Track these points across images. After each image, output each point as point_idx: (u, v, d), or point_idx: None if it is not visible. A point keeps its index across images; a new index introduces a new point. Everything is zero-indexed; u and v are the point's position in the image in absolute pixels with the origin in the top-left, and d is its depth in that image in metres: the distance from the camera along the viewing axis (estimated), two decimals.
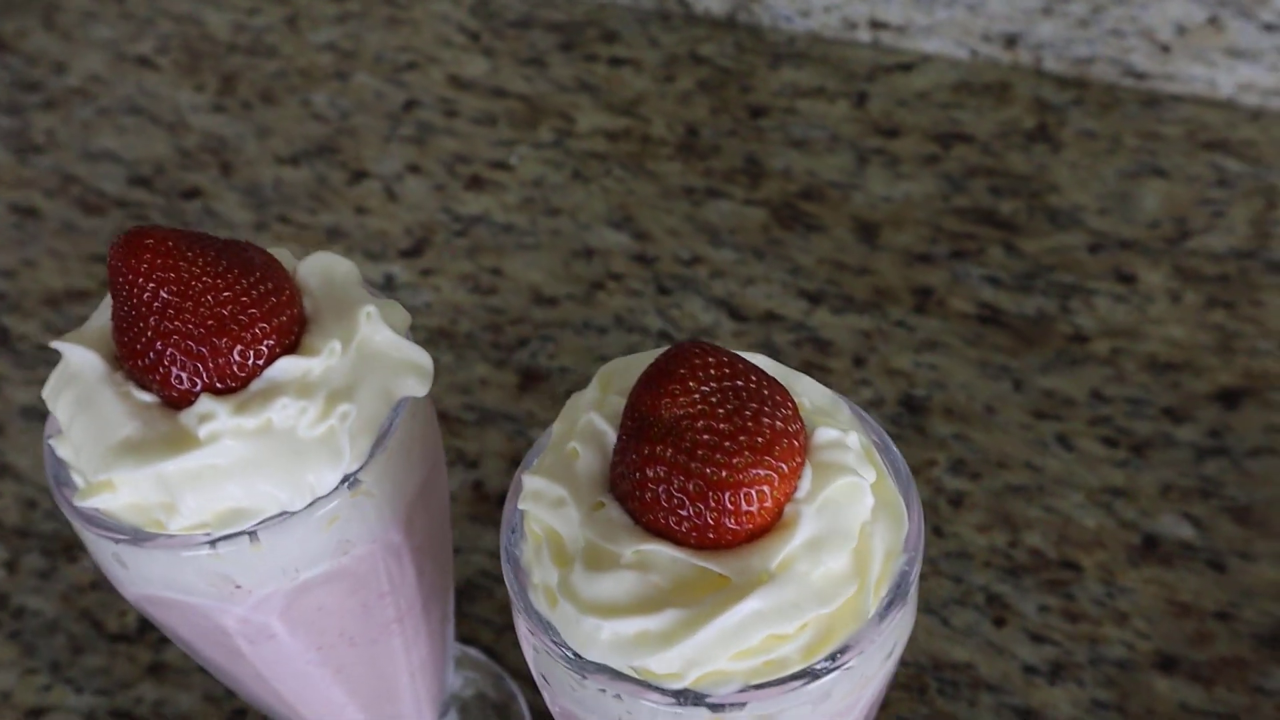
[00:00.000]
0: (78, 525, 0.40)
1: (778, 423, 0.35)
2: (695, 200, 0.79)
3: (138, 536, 0.38)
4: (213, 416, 0.37)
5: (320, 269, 0.41)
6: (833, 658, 0.34)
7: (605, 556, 0.35)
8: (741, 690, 0.34)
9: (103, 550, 0.40)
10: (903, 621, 0.37)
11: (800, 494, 0.35)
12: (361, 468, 0.39)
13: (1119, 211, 0.76)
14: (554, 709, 0.39)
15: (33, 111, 0.92)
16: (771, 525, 0.35)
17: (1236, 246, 0.73)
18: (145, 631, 0.63)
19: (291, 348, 0.39)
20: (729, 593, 0.34)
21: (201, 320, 0.37)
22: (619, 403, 0.38)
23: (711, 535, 0.34)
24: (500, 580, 0.62)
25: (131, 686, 0.61)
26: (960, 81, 0.85)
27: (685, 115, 0.85)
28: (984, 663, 0.59)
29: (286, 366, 0.38)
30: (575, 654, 0.35)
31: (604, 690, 0.35)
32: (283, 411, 0.38)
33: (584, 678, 0.35)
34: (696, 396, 0.34)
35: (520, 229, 0.79)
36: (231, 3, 0.97)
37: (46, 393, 0.41)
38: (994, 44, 0.84)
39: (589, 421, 0.37)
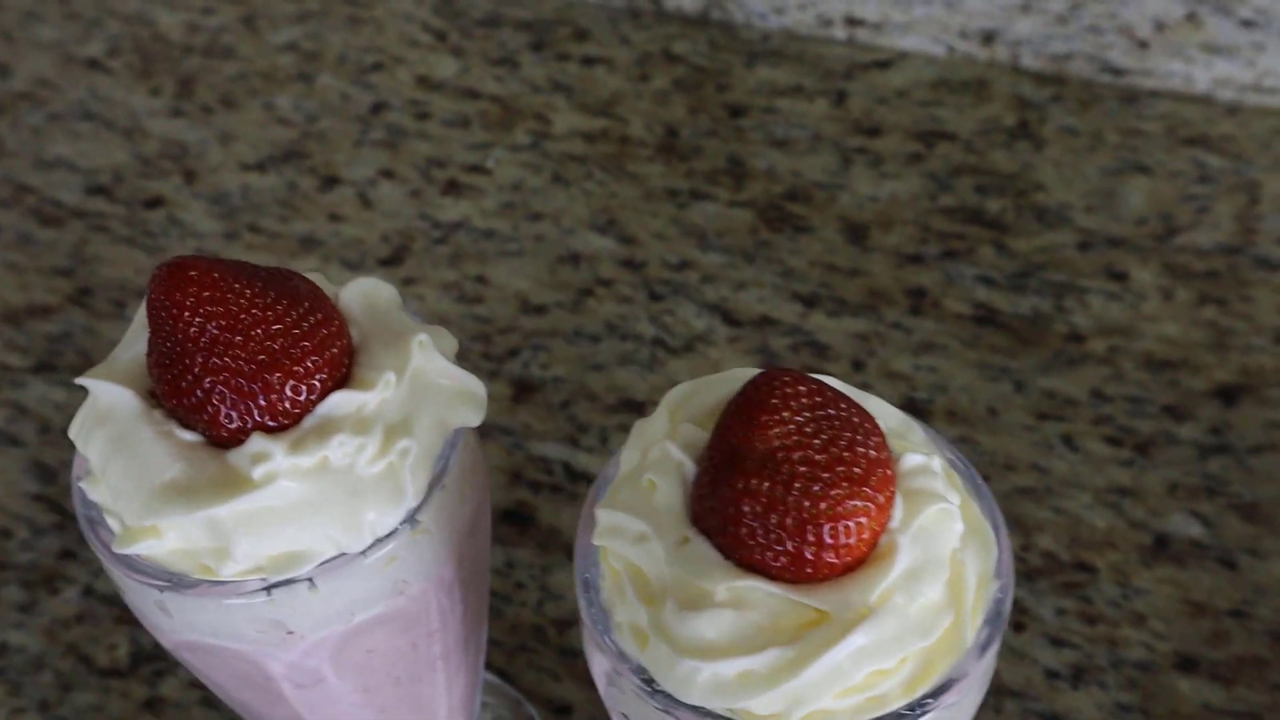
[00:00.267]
0: (117, 572, 0.37)
1: (871, 451, 0.34)
2: (680, 203, 0.78)
3: (185, 584, 0.36)
4: (267, 457, 0.35)
5: (362, 296, 0.39)
6: (935, 693, 0.33)
7: (698, 594, 0.33)
8: None
9: (144, 597, 0.37)
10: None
11: (893, 523, 0.34)
12: (420, 505, 0.37)
13: (1105, 209, 0.76)
14: None
15: None
16: (866, 557, 0.34)
17: (1223, 243, 0.73)
18: (139, 665, 0.60)
19: (343, 381, 0.37)
20: (830, 629, 0.33)
21: (252, 356, 0.35)
22: (694, 431, 0.37)
23: (810, 570, 0.33)
24: (509, 600, 0.61)
25: None
26: (938, 79, 0.84)
27: (663, 115, 0.83)
28: (1006, 669, 0.58)
29: (340, 401, 0.36)
30: (669, 696, 0.33)
31: None
32: (340, 449, 0.36)
33: (664, 711, 0.34)
34: (791, 427, 0.33)
35: (502, 235, 0.77)
36: (184, 2, 0.94)
37: (75, 432, 0.38)
38: (971, 41, 0.84)
39: (664, 452, 0.36)
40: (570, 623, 0.61)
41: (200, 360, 0.35)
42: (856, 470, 0.33)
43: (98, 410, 0.38)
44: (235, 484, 0.35)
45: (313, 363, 0.36)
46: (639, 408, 0.69)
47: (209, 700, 0.59)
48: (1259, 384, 0.67)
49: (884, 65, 0.85)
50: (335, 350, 0.37)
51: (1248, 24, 0.77)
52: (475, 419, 0.38)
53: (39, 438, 0.70)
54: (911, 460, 0.35)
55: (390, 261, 0.76)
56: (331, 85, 0.87)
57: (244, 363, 0.35)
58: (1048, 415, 0.67)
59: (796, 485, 0.33)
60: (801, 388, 0.34)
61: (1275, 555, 0.61)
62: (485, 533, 0.43)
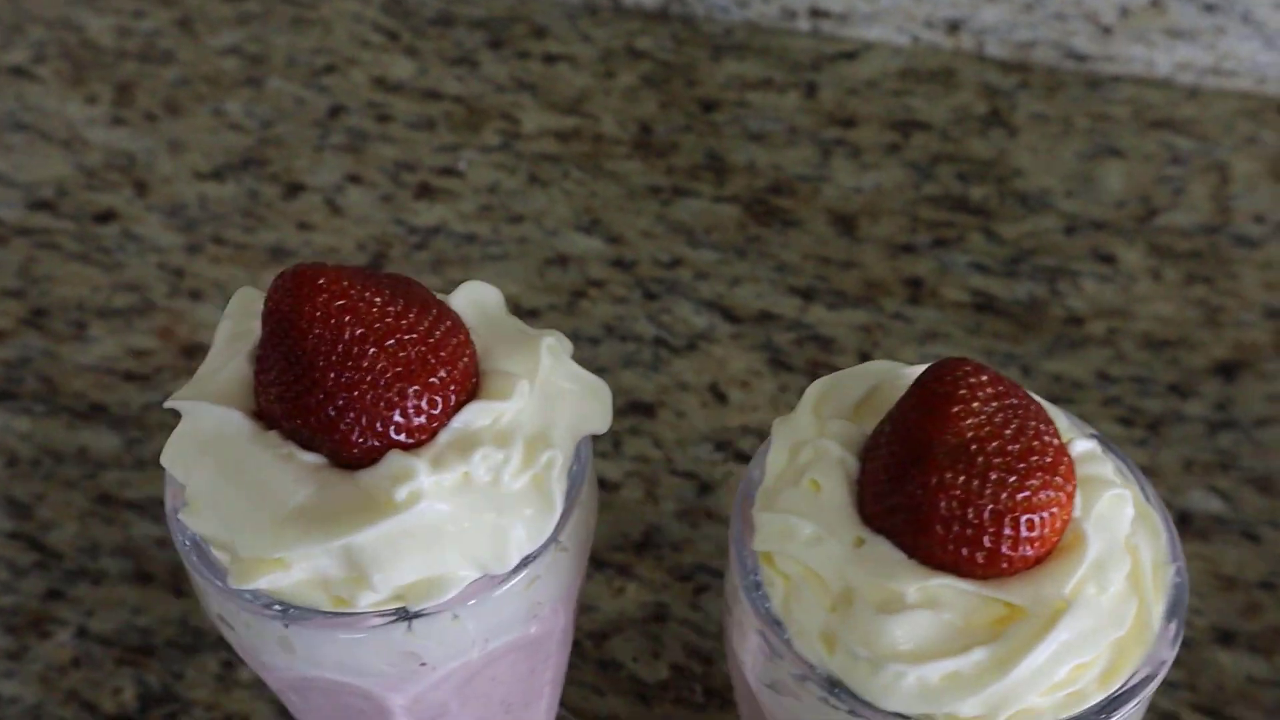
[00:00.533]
0: (230, 608, 0.34)
1: (1054, 440, 0.33)
2: (663, 200, 0.77)
3: (316, 618, 0.33)
4: (410, 475, 0.32)
5: (473, 300, 0.37)
6: (1131, 684, 0.32)
7: (888, 597, 0.32)
8: None
9: (263, 634, 0.34)
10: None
11: (1076, 513, 0.33)
12: (562, 519, 0.35)
13: (1085, 193, 0.77)
14: None
15: None
16: (1054, 549, 0.33)
17: (1202, 222, 0.75)
18: (149, 708, 0.56)
19: (473, 392, 0.35)
20: (1029, 625, 0.31)
21: (387, 368, 0.33)
22: (847, 428, 0.35)
23: (1005, 565, 0.32)
24: None
25: None
26: (905, 69, 0.84)
27: (635, 112, 0.82)
28: None
29: (478, 412, 0.34)
30: (866, 703, 0.32)
31: None
32: (483, 464, 0.33)
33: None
34: (982, 418, 0.32)
35: (484, 238, 0.74)
36: (111, 5, 0.89)
37: (169, 460, 0.35)
38: (936, 30, 0.84)
39: (823, 450, 0.35)
40: (607, 635, 0.59)
41: (332, 375, 0.33)
42: (1047, 459, 0.32)
43: (199, 434, 0.35)
44: (375, 507, 0.33)
45: (447, 373, 0.34)
46: (648, 409, 0.67)
47: None
48: (1255, 359, 0.69)
49: (850, 56, 0.85)
50: (466, 360, 0.35)
51: (1210, 8, 0.79)
52: (604, 424, 0.36)
53: (7, 470, 0.65)
54: (1082, 446, 0.34)
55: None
56: (283, 89, 0.83)
57: (379, 375, 0.33)
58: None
59: (993, 477, 0.31)
60: (984, 376, 0.33)
61: None
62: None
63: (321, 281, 0.33)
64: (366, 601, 0.33)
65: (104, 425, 0.66)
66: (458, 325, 0.35)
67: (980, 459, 0.31)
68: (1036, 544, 0.32)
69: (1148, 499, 0.36)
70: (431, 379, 0.33)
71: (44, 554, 0.62)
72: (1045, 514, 0.32)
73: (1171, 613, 0.34)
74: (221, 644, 0.58)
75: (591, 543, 0.39)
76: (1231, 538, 0.62)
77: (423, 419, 0.33)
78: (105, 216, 0.76)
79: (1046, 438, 0.32)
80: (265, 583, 0.33)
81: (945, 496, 0.31)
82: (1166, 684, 0.57)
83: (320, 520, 0.33)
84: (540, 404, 0.35)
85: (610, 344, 0.69)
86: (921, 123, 0.81)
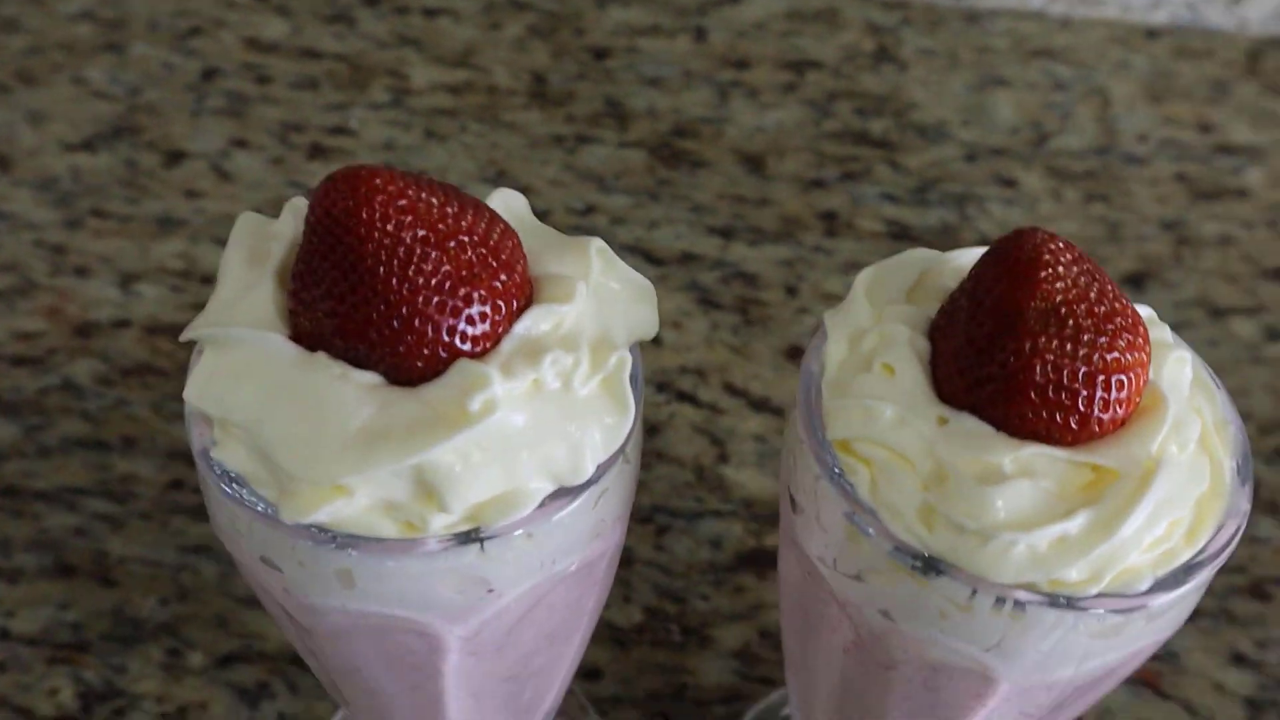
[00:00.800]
0: (279, 548, 0.32)
1: (1130, 305, 0.33)
2: (568, 148, 0.75)
3: (383, 546, 0.31)
4: (484, 383, 0.30)
5: (508, 207, 0.35)
6: (1218, 540, 0.33)
7: (985, 470, 0.31)
8: (1151, 588, 0.32)
9: (321, 570, 0.32)
10: None
11: (1151, 374, 0.33)
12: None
13: (979, 122, 0.78)
14: (883, 653, 0.35)
15: None
16: (1133, 412, 0.33)
17: (1091, 144, 0.77)
18: (93, 706, 0.52)
19: (530, 298, 0.33)
20: (1126, 485, 0.31)
21: (453, 272, 0.31)
22: (910, 311, 0.35)
23: (1096, 428, 0.32)
24: None
25: None
26: (790, 10, 0.84)
27: (526, 63, 0.79)
28: None
29: (540, 316, 0.32)
30: (974, 577, 0.31)
31: (1000, 607, 0.31)
32: (553, 369, 0.31)
33: (970, 595, 0.31)
34: (1067, 281, 0.32)
35: None
36: None
37: (197, 395, 0.32)
38: None
39: (893, 333, 0.34)
40: None
41: (394, 281, 0.30)
42: (1129, 320, 0.32)
43: (232, 364, 0.32)
44: (446, 421, 0.30)
45: (507, 277, 0.32)
46: None
47: None
48: (1159, 269, 0.71)
49: (734, 0, 0.85)
50: (522, 265, 0.32)
51: None
52: (654, 326, 0.35)
53: None
54: (1143, 311, 0.34)
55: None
56: (149, 54, 0.78)
57: (443, 280, 0.30)
58: None
59: (1085, 339, 0.31)
60: (1061, 243, 0.32)
61: None
62: None
63: (378, 181, 0.30)
64: (438, 525, 0.31)
65: None
66: (509, 230, 0.32)
67: (1071, 322, 0.31)
68: (1125, 405, 0.32)
69: (1200, 365, 0.36)
70: (494, 283, 0.31)
71: None
72: (1132, 375, 0.32)
73: (1241, 467, 0.34)
74: (165, 631, 0.54)
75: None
76: None
77: (486, 326, 0.31)
78: None
79: (1123, 301, 0.32)
80: (325, 514, 0.31)
81: (1040, 361, 0.31)
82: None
83: (387, 439, 0.30)
84: (596, 308, 0.33)
85: None
86: (813, 61, 0.81)
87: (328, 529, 0.31)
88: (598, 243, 0.34)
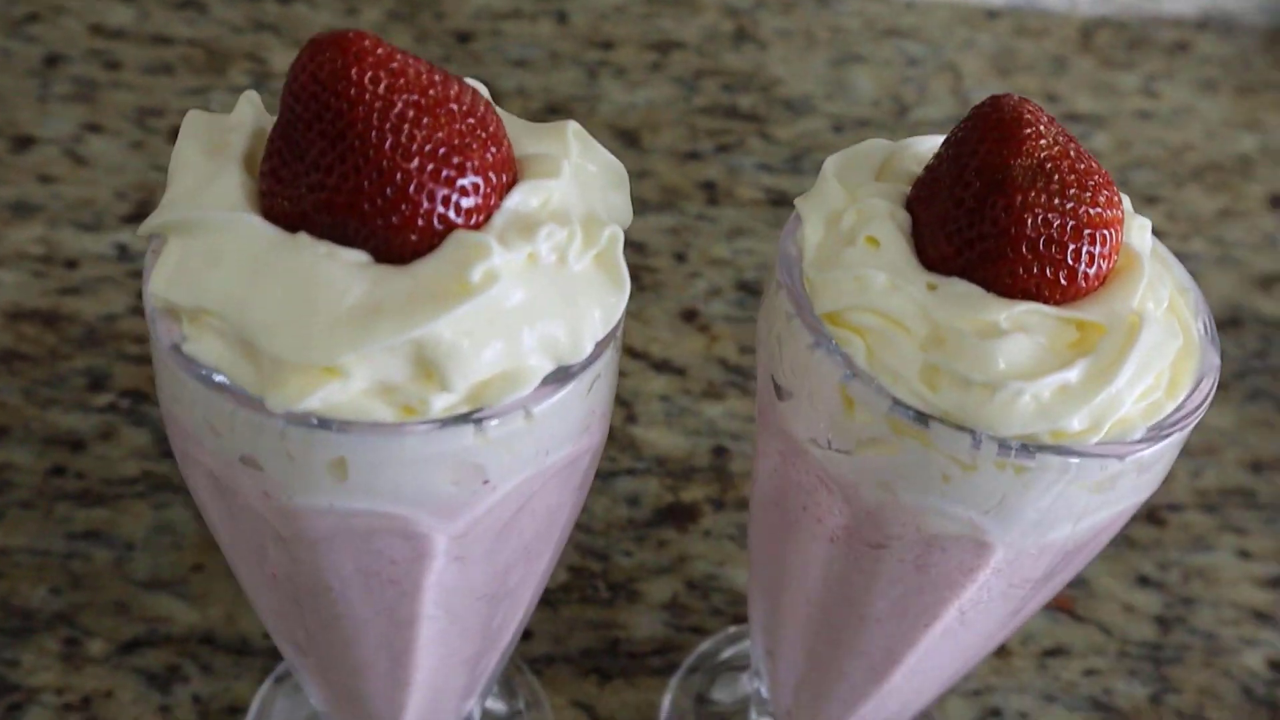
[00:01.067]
0: (266, 443, 0.30)
1: (1101, 165, 0.34)
2: None
3: (381, 431, 0.29)
4: (484, 253, 0.29)
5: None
6: (1196, 394, 0.34)
7: (983, 327, 0.32)
8: (1144, 437, 0.32)
9: (313, 463, 0.30)
10: None
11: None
12: None
13: (841, 96, 0.80)
14: (886, 527, 0.35)
15: None
16: (1111, 272, 0.34)
17: (949, 115, 0.80)
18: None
19: (515, 177, 0.32)
20: (1115, 338, 0.32)
21: (445, 141, 0.29)
22: (885, 188, 0.35)
23: (1082, 284, 0.32)
24: None
25: None
26: None
27: None
28: None
29: (530, 190, 0.31)
30: (980, 434, 0.31)
31: (1004, 462, 0.32)
32: (548, 241, 0.30)
33: (977, 449, 0.31)
34: (1048, 139, 0.32)
35: None
36: None
37: (165, 286, 0.30)
38: None
39: (873, 208, 0.34)
40: None
41: (388, 147, 0.29)
42: (1105, 179, 0.33)
43: (205, 249, 0.30)
44: (446, 294, 0.29)
45: (497, 150, 0.31)
46: None
47: (95, 718, 0.48)
48: None
49: None
50: (507, 141, 0.31)
51: None
52: (629, 211, 0.34)
53: None
54: None
55: (137, 217, 0.65)
56: None
57: (436, 147, 0.29)
58: None
59: (1070, 193, 0.32)
60: (1035, 105, 0.33)
61: None
62: None
63: (367, 44, 0.29)
64: (440, 406, 0.29)
65: None
66: (491, 105, 0.31)
67: (1056, 177, 0.32)
68: (1107, 260, 0.32)
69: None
70: (485, 155, 0.30)
71: None
72: (1111, 231, 0.32)
73: (1207, 327, 0.35)
74: (59, 621, 0.50)
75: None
76: None
77: (478, 198, 0.30)
78: None
79: (1096, 161, 0.33)
80: (318, 399, 0.29)
81: (1031, 214, 0.31)
82: None
83: (385, 314, 0.28)
84: (579, 189, 0.32)
85: None
86: (676, 42, 0.82)
87: (321, 416, 0.29)
88: (574, 125, 0.33)
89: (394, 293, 0.29)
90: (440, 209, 0.29)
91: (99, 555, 0.52)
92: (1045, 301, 0.32)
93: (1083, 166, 0.32)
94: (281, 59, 0.76)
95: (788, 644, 0.42)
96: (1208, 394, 0.33)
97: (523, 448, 0.31)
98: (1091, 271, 0.32)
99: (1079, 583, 0.58)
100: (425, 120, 0.29)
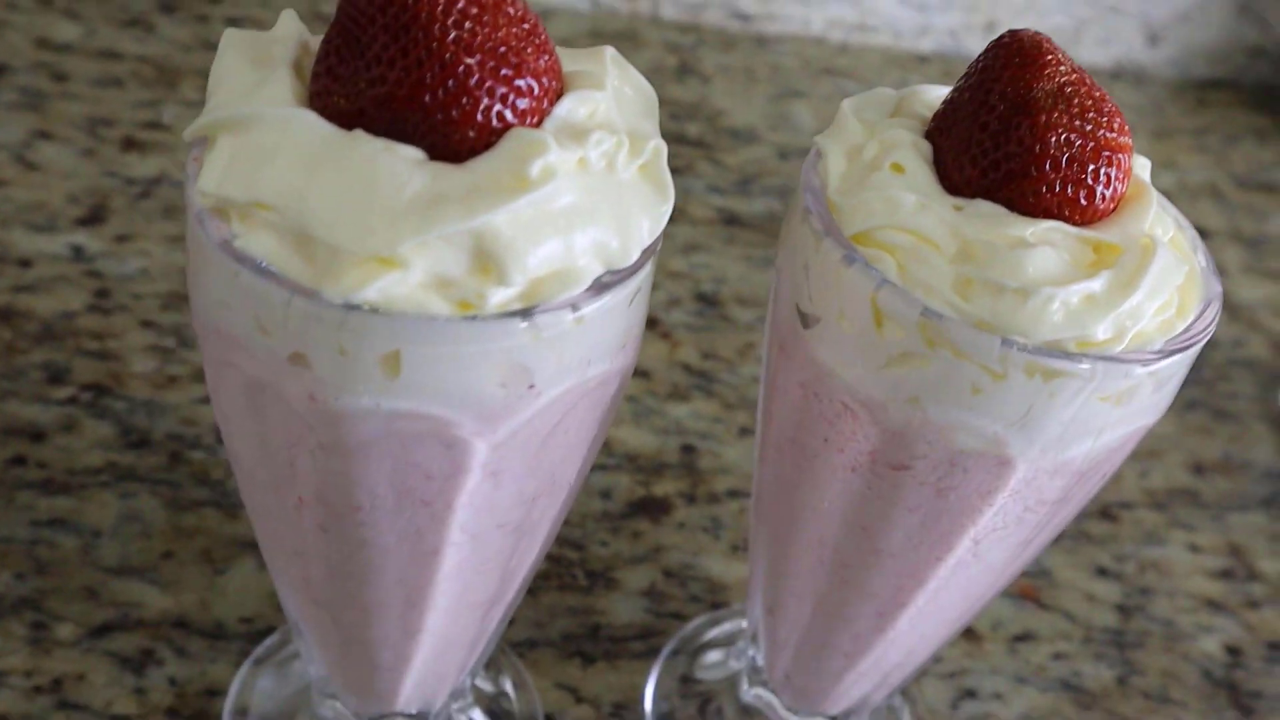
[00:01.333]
0: (319, 338, 0.29)
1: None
2: None
3: (436, 324, 0.29)
4: (543, 149, 0.30)
5: None
6: (1203, 318, 0.35)
7: (1011, 241, 0.33)
8: (1163, 348, 0.34)
9: (364, 359, 0.30)
10: None
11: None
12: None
13: (783, 127, 0.82)
14: (916, 443, 0.35)
15: None
16: (1123, 199, 0.35)
17: None
18: None
19: (561, 91, 0.32)
20: (1133, 256, 0.33)
21: (506, 40, 0.30)
22: (904, 120, 0.36)
23: (1100, 205, 0.34)
24: None
25: None
26: (591, 31, 0.87)
27: None
28: None
29: (577, 101, 0.32)
30: (1010, 342, 0.32)
31: (1034, 368, 0.33)
32: (598, 148, 0.31)
33: (1009, 350, 0.32)
34: (1066, 66, 0.34)
35: None
36: None
37: (216, 182, 0.30)
38: None
39: (896, 138, 0.35)
40: None
41: (450, 42, 0.29)
42: (1114, 107, 0.34)
43: (259, 144, 0.30)
44: (506, 187, 0.29)
45: (549, 57, 0.31)
46: None
47: (67, 701, 0.46)
48: None
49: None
50: (554, 53, 0.32)
51: None
52: (658, 134, 0.35)
53: None
54: None
55: (91, 220, 0.64)
56: None
57: (497, 45, 0.30)
58: None
59: (1089, 115, 0.33)
60: (1048, 38, 0.35)
61: None
62: None
63: None
64: (496, 300, 0.29)
65: None
66: (539, 19, 0.32)
67: (1075, 101, 0.33)
68: (1121, 184, 0.34)
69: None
70: (539, 60, 0.31)
71: None
72: (1126, 156, 0.34)
73: (1206, 262, 0.37)
74: (25, 605, 0.48)
75: None
76: None
77: (532, 101, 0.30)
78: None
79: (1104, 90, 0.35)
80: (375, 290, 0.29)
81: (1054, 134, 0.33)
82: None
83: (447, 204, 0.29)
84: (618, 109, 0.33)
85: None
86: None
87: (378, 307, 0.29)
88: (611, 50, 0.34)
89: (453, 185, 0.29)
90: (499, 106, 0.30)
91: (65, 542, 0.51)
92: (1066, 221, 0.34)
93: (1098, 94, 0.34)
94: None
95: (793, 596, 0.42)
96: (1213, 318, 0.35)
97: (569, 353, 0.32)
98: (1108, 193, 0.34)
99: (1039, 573, 0.59)
100: (486, 19, 0.30)
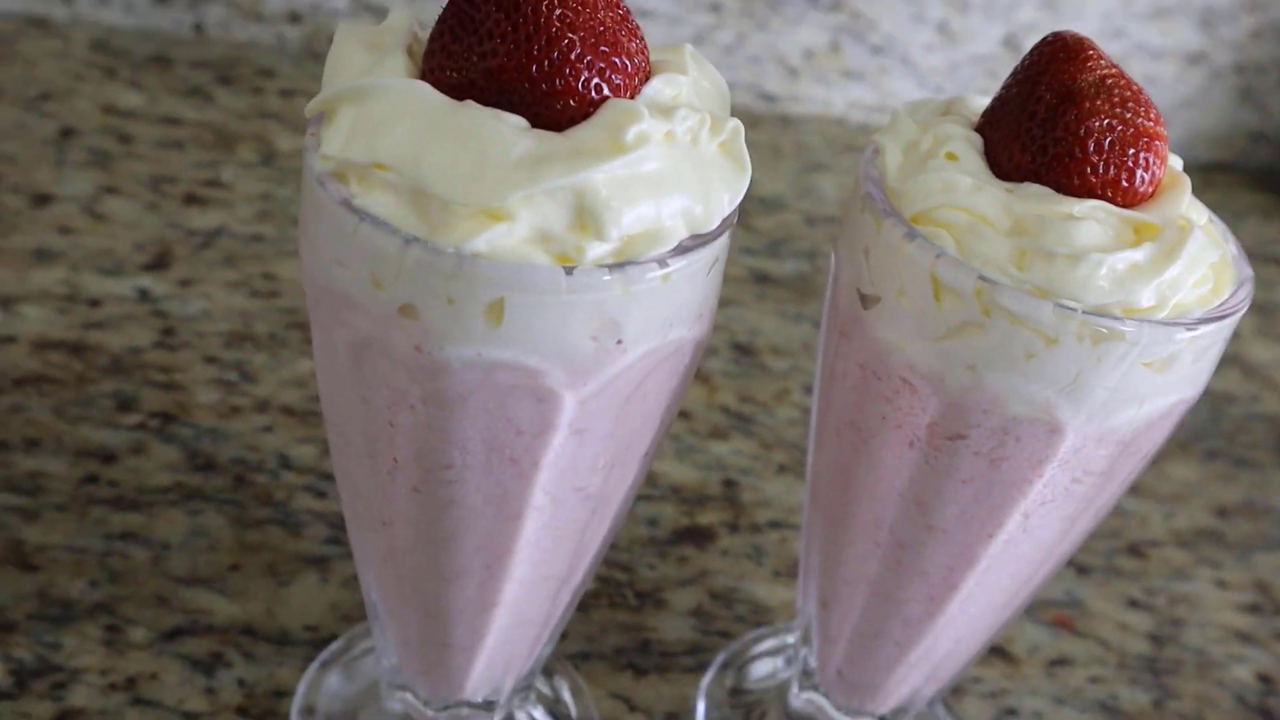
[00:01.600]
0: (430, 288, 0.32)
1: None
2: None
3: (539, 275, 0.32)
4: (637, 117, 0.32)
5: None
6: (1235, 297, 0.38)
7: (1060, 216, 0.36)
8: (1203, 316, 0.36)
9: (471, 309, 0.32)
10: None
11: None
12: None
13: (810, 196, 0.86)
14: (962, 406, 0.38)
15: None
16: (1159, 186, 0.38)
17: None
18: (28, 682, 0.47)
19: (649, 73, 0.35)
20: (1170, 234, 0.36)
21: (606, 20, 0.33)
22: (955, 117, 0.39)
23: (1140, 189, 0.37)
24: None
25: None
26: None
27: None
28: None
29: (664, 82, 0.35)
30: (1063, 305, 0.35)
31: (1084, 331, 0.35)
32: (684, 123, 0.34)
33: (1061, 316, 0.35)
34: (1105, 61, 0.37)
35: (271, 238, 0.71)
36: None
37: (341, 146, 0.33)
38: None
39: (949, 131, 0.38)
40: None
41: (556, 19, 0.32)
42: (1149, 100, 0.38)
43: (380, 112, 0.33)
44: (605, 150, 0.32)
45: (640, 42, 0.34)
46: None
47: (140, 698, 0.47)
48: None
49: None
50: (643, 40, 0.35)
51: (876, 50, 0.92)
52: (730, 119, 0.38)
53: None
54: None
55: (156, 266, 0.67)
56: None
57: (599, 24, 0.33)
58: None
59: (1130, 104, 0.36)
60: (1089, 39, 0.38)
61: None
62: None
63: None
64: (593, 254, 0.32)
65: None
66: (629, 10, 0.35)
67: (1116, 93, 0.36)
68: (1159, 169, 0.37)
69: None
70: (632, 42, 0.34)
71: None
72: (1163, 144, 0.37)
73: (1237, 250, 0.40)
74: (100, 610, 0.50)
75: None
76: None
77: (625, 78, 0.33)
78: None
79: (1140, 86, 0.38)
80: (484, 241, 0.31)
81: (1099, 119, 0.36)
82: None
83: (550, 162, 0.32)
84: (697, 96, 0.36)
85: None
86: None
87: (487, 257, 0.32)
88: (689, 46, 0.38)
89: (556, 148, 0.32)
90: (597, 79, 0.33)
91: (136, 554, 0.53)
92: (1109, 201, 0.37)
93: (1135, 88, 0.37)
94: (287, 141, 0.79)
95: (846, 584, 0.44)
96: (1246, 296, 0.38)
97: (654, 311, 0.34)
98: (1147, 176, 0.37)
99: (1072, 604, 0.61)
100: (587, 3, 0.33)
